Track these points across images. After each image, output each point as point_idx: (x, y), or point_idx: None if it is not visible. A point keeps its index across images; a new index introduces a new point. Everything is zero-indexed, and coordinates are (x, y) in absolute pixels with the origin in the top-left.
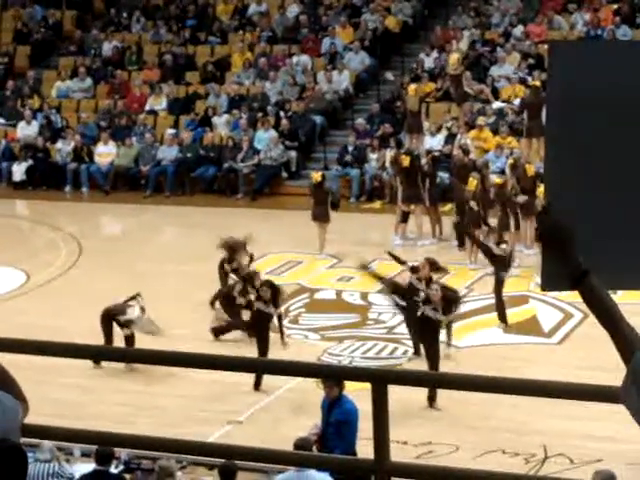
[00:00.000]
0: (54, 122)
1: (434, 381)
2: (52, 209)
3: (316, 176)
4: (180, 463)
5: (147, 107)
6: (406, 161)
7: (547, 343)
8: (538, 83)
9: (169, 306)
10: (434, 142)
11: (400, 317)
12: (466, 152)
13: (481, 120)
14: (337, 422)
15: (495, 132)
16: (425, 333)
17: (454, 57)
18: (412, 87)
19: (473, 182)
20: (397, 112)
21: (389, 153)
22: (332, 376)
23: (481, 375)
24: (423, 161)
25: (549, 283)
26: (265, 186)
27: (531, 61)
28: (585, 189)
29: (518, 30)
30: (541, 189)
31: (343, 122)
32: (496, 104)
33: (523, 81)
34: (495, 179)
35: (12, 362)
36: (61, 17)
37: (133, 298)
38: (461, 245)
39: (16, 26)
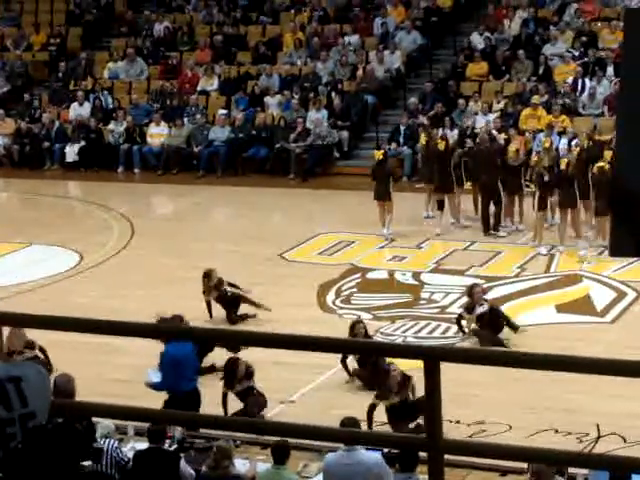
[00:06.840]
0: (105, 103)
1: (485, 358)
2: (104, 190)
3: (378, 154)
4: (234, 442)
5: (199, 88)
6: (442, 145)
7: (600, 322)
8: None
9: None
10: (485, 121)
11: (452, 297)
12: (492, 139)
13: (535, 99)
14: None
15: (548, 111)
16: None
17: (513, 149)
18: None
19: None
20: (450, 91)
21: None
22: (384, 354)
23: (535, 352)
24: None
25: (617, 249)
26: (317, 166)
27: (584, 39)
28: None
29: (571, 8)
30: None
31: (395, 101)
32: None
33: (576, 58)
34: (599, 164)
35: (71, 342)
36: None
37: None
38: (486, 231)
39: (68, 7)
